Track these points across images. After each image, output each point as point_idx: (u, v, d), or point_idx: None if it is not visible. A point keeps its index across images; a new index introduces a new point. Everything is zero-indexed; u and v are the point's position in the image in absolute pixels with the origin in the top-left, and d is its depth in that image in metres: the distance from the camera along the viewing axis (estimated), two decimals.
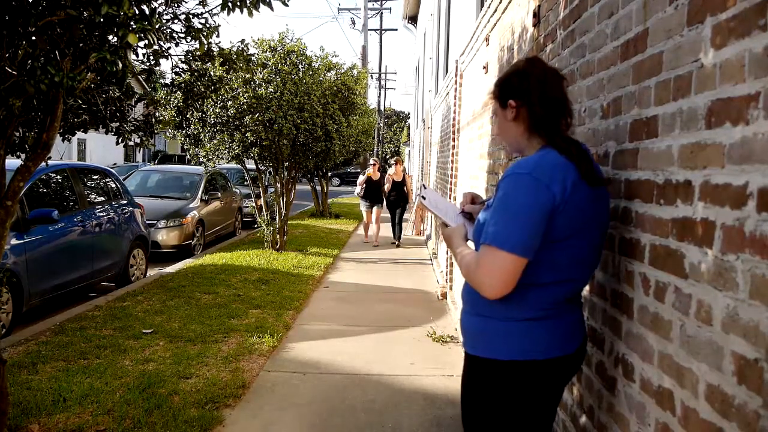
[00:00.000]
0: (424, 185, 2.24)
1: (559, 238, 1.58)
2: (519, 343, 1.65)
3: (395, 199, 10.89)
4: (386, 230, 11.56)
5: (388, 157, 36.43)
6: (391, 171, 11.06)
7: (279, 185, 9.57)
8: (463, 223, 1.91)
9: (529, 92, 1.69)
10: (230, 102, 8.19)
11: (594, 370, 2.00)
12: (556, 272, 1.63)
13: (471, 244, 1.82)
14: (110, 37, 2.58)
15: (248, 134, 8.37)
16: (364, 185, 10.92)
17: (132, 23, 2.45)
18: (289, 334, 5.13)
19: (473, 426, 1.78)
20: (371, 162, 11.01)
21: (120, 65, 2.48)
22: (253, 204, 11.07)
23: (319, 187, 16.71)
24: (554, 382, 1.72)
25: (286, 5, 3.35)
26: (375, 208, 10.94)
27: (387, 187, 10.82)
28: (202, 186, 10.47)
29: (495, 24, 4.33)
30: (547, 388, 1.70)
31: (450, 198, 6.75)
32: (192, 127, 8.56)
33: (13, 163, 3.29)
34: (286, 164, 9.36)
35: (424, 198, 2.08)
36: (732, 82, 1.21)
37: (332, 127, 9.11)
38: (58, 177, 6.37)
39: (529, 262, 1.58)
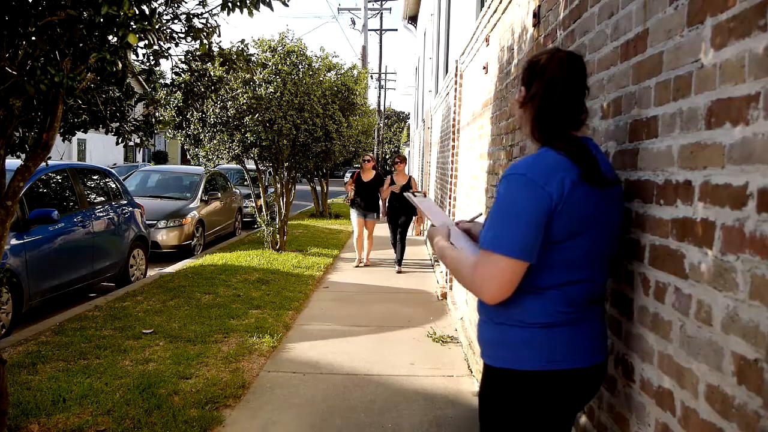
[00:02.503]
0: (424, 193, 2.27)
1: (563, 238, 1.53)
2: (539, 351, 1.58)
3: (398, 208, 8.48)
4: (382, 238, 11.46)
5: (387, 157, 36.22)
6: (394, 175, 8.65)
7: (279, 185, 9.57)
8: (447, 225, 1.92)
9: (536, 89, 1.63)
10: (230, 102, 8.20)
11: None
12: (568, 272, 1.57)
13: (463, 244, 1.81)
14: (110, 37, 2.58)
15: (248, 134, 8.37)
16: (354, 188, 8.58)
17: (132, 23, 2.45)
18: (289, 335, 5.13)
19: None
20: (365, 158, 8.73)
21: (120, 65, 2.48)
22: (253, 204, 11.06)
23: (319, 188, 16.72)
24: (573, 396, 1.63)
25: (286, 5, 3.35)
26: (368, 219, 8.60)
27: (385, 195, 8.46)
28: (202, 186, 10.47)
29: (495, 24, 4.33)
30: (565, 402, 1.62)
31: (450, 198, 6.75)
32: (192, 127, 8.57)
33: (13, 163, 3.29)
34: (286, 164, 9.36)
35: (421, 200, 2.11)
36: (732, 83, 1.21)
37: (332, 127, 9.12)
38: (58, 177, 6.37)
39: (542, 266, 1.54)
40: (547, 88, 1.61)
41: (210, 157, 8.84)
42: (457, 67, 6.69)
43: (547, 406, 1.60)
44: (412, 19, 19.37)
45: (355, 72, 10.61)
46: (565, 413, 1.65)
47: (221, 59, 3.48)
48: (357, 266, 8.58)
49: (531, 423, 1.61)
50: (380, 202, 8.64)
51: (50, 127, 2.78)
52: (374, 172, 8.64)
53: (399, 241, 8.48)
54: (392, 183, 8.47)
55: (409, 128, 34.27)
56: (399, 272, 8.20)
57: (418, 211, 8.41)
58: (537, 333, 1.58)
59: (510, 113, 1.89)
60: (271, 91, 8.27)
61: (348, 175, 8.41)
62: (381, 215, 8.72)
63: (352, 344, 4.92)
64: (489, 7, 4.45)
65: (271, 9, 3.10)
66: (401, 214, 8.53)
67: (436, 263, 8.65)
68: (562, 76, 1.61)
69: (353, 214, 8.65)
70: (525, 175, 1.51)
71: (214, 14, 3.19)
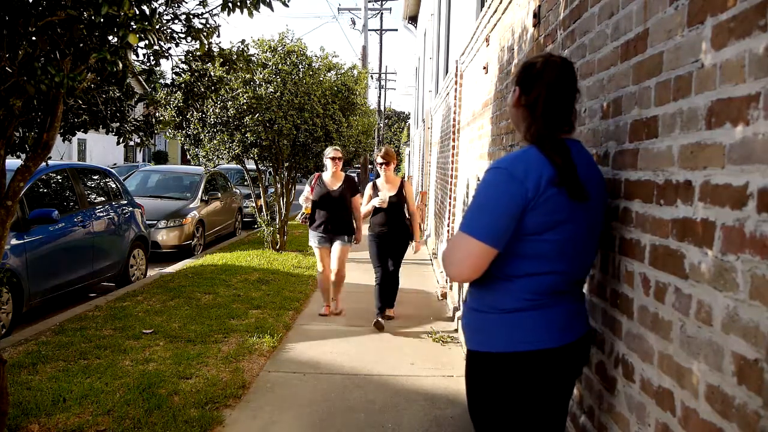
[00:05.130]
0: None
1: (535, 231, 1.62)
2: (508, 334, 1.68)
3: (387, 233, 5.46)
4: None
5: None
6: (379, 181, 5.60)
7: (279, 185, 9.57)
8: None
9: (532, 93, 1.72)
10: (230, 102, 8.20)
11: (594, 370, 2.00)
12: (538, 263, 1.65)
13: None
14: (110, 38, 2.58)
15: (248, 134, 8.38)
16: (315, 200, 5.62)
17: (132, 23, 2.45)
18: (289, 334, 5.13)
19: (479, 420, 1.80)
20: (330, 155, 5.70)
21: (120, 65, 2.48)
22: (253, 204, 11.04)
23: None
24: (549, 375, 1.70)
25: (286, 5, 3.36)
26: (337, 246, 5.62)
27: (366, 210, 5.56)
28: (202, 186, 10.48)
29: (495, 24, 4.33)
30: (542, 381, 1.70)
31: (450, 198, 6.75)
32: (192, 127, 8.57)
33: (13, 163, 3.29)
34: (286, 164, 9.36)
35: None
36: (732, 83, 1.21)
37: (332, 127, 9.12)
38: (58, 177, 6.38)
39: (514, 256, 1.65)
40: (542, 93, 1.70)
41: (210, 157, 8.85)
42: (457, 67, 6.69)
43: (523, 384, 1.69)
44: (412, 19, 19.37)
45: (355, 72, 10.60)
46: (544, 392, 1.72)
47: (221, 59, 3.47)
48: (322, 314, 5.77)
49: (510, 401, 1.71)
50: (354, 221, 5.76)
51: (50, 127, 2.78)
52: (343, 175, 5.74)
53: (388, 281, 5.49)
54: (375, 191, 5.51)
55: (409, 128, 34.28)
56: (378, 325, 5.27)
57: (424, 210, 7.02)
58: (507, 318, 1.69)
59: (508, 103, 1.92)
60: (271, 91, 8.28)
61: (307, 188, 5.72)
62: (355, 240, 5.76)
63: (352, 344, 4.92)
64: (489, 8, 4.45)
65: (271, 9, 3.10)
66: (393, 240, 5.47)
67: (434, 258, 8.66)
68: (557, 81, 1.70)
69: (312, 239, 5.73)
70: (507, 169, 1.62)
71: (214, 14, 3.19)
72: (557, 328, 1.69)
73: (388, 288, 5.53)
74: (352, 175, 6.40)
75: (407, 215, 5.62)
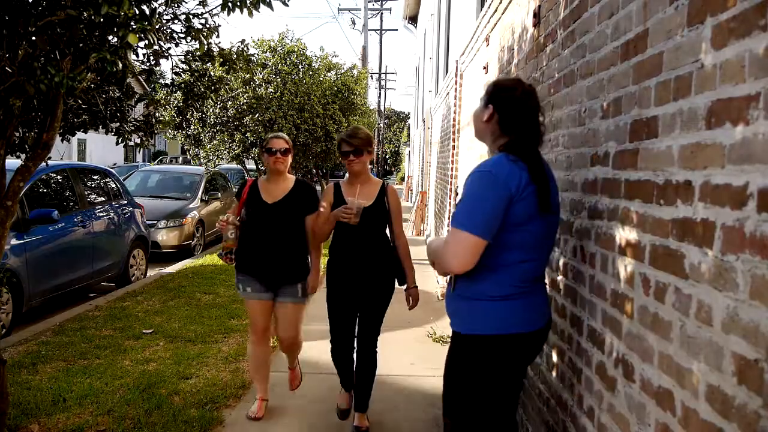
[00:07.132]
0: None
1: (521, 222, 1.88)
2: (499, 318, 1.95)
3: (356, 269, 3.28)
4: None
5: (388, 157, 35.70)
6: (344, 181, 3.25)
7: None
8: None
9: (509, 115, 2.00)
10: (230, 102, 8.21)
11: (594, 370, 2.00)
12: (523, 252, 1.93)
13: None
14: (110, 37, 2.59)
15: (248, 134, 8.38)
16: (245, 221, 3.31)
17: (132, 23, 2.45)
18: None
19: (456, 399, 2.12)
20: (269, 147, 3.29)
21: (120, 65, 2.48)
22: None
23: (319, 187, 16.74)
24: (522, 354, 2.03)
25: (286, 5, 3.36)
26: (284, 304, 3.45)
27: (320, 226, 3.25)
28: (202, 186, 10.47)
29: (495, 24, 4.33)
30: (515, 359, 2.01)
31: (450, 198, 6.75)
32: (192, 127, 8.58)
33: (13, 163, 3.29)
34: None
35: None
36: (732, 83, 1.21)
37: (332, 127, 9.13)
38: (58, 177, 6.38)
39: (502, 247, 1.90)
40: (519, 116, 1.99)
41: (210, 157, 8.86)
42: (457, 67, 6.70)
43: (502, 362, 2.00)
44: (412, 19, 19.37)
45: (355, 72, 10.63)
46: (515, 369, 2.07)
47: (221, 59, 3.47)
48: (252, 417, 3.42)
49: (488, 377, 2.01)
50: (312, 256, 3.60)
51: (50, 127, 2.78)
52: (293, 179, 3.44)
53: (360, 357, 3.41)
54: (337, 200, 3.19)
55: (409, 128, 34.27)
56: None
57: (423, 210, 6.44)
58: (497, 304, 1.95)
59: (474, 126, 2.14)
60: (271, 91, 8.29)
61: (234, 205, 3.55)
62: (310, 289, 3.66)
63: None
64: (489, 7, 4.45)
65: (271, 9, 3.09)
66: (366, 281, 3.34)
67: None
68: (532, 105, 2.01)
69: (240, 287, 3.42)
70: (490, 172, 1.89)
71: (214, 14, 3.19)
72: (538, 313, 2.02)
73: (351, 364, 3.40)
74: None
75: (391, 241, 3.34)
